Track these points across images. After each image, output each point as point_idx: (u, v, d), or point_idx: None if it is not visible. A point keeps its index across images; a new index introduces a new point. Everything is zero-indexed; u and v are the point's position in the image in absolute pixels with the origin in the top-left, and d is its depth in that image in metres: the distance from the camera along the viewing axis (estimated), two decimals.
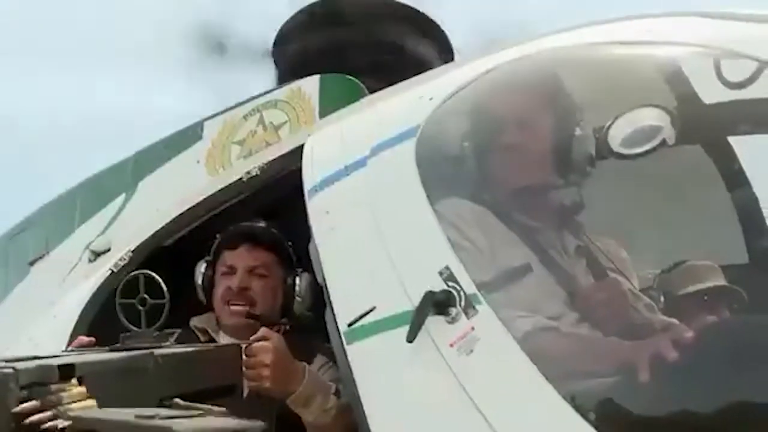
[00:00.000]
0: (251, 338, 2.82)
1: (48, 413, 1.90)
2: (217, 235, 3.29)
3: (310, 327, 3.19)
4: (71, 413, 1.87)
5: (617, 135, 2.55)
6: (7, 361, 1.96)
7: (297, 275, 3.20)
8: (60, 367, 1.97)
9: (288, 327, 3.18)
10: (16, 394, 1.86)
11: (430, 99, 2.81)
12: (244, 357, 2.77)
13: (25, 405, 1.87)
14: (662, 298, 2.83)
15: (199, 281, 3.26)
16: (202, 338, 3.17)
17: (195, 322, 3.24)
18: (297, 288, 3.19)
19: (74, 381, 2.00)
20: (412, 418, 2.38)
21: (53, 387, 1.94)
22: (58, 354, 2.38)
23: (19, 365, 1.90)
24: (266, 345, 2.79)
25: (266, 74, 4.33)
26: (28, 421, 1.86)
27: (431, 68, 3.50)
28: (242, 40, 4.55)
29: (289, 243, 3.26)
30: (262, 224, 3.27)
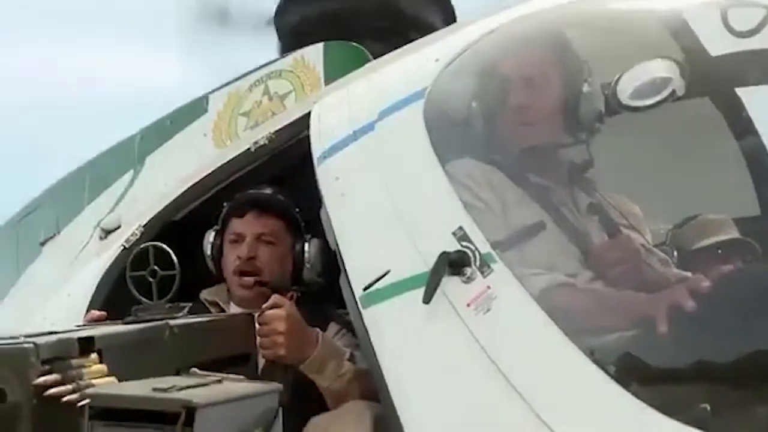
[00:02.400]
0: (263, 306, 2.82)
1: (69, 386, 1.90)
2: (225, 204, 3.27)
3: (320, 293, 3.19)
4: (91, 391, 1.87)
5: (626, 88, 2.54)
6: (27, 336, 1.96)
7: (306, 241, 3.18)
8: (79, 340, 1.98)
9: (299, 294, 3.15)
10: (38, 368, 1.86)
11: (437, 60, 2.79)
12: (257, 325, 2.78)
13: (46, 378, 1.87)
14: (675, 253, 2.81)
15: (208, 251, 3.24)
16: (212, 311, 3.16)
17: (205, 294, 3.23)
18: (306, 254, 3.17)
19: (94, 356, 2.01)
20: (432, 379, 2.38)
21: (73, 362, 1.95)
22: (75, 328, 2.39)
23: (39, 340, 1.90)
24: (279, 312, 2.79)
25: (269, 44, 4.31)
26: (48, 393, 1.86)
27: (433, 31, 3.47)
28: (243, 9, 4.53)
29: (297, 209, 3.22)
30: (268, 191, 3.24)
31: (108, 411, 1.82)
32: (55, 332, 2.09)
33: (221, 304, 3.19)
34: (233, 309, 3.17)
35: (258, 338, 2.77)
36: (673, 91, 2.51)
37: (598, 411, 2.18)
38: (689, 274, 2.54)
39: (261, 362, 2.90)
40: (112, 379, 2.00)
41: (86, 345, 1.99)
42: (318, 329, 2.89)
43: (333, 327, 3.07)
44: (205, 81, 4.03)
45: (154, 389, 1.86)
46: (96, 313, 2.93)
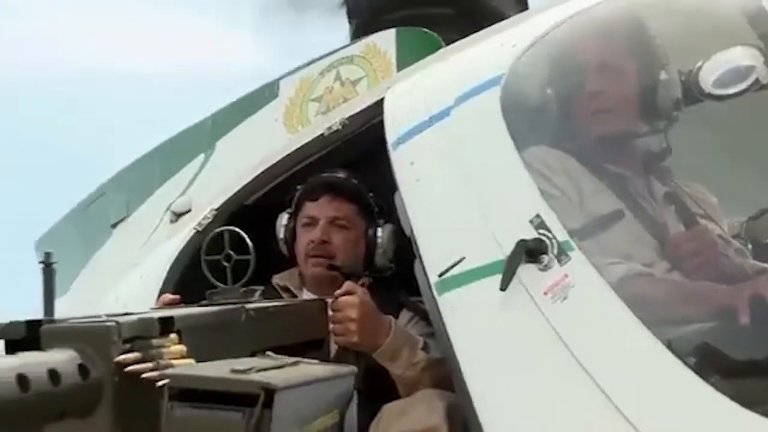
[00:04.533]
0: (336, 293, 2.82)
1: (149, 364, 1.91)
2: (298, 187, 3.26)
3: (392, 280, 3.18)
4: (170, 371, 1.88)
5: (709, 76, 2.50)
6: (108, 315, 1.98)
7: (379, 226, 3.17)
8: (160, 320, 1.99)
9: (371, 280, 3.15)
10: (120, 347, 1.88)
11: (513, 46, 2.77)
12: (329, 312, 2.78)
13: (128, 355, 1.88)
14: (750, 246, 2.77)
15: (281, 234, 3.23)
16: (284, 296, 3.15)
17: (277, 280, 3.23)
18: (379, 239, 3.15)
19: (173, 337, 2.02)
20: (507, 368, 2.37)
21: (154, 342, 1.97)
22: (153, 309, 2.41)
23: (121, 319, 1.92)
24: (352, 299, 2.79)
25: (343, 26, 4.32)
26: (128, 369, 1.87)
27: (506, 18, 3.45)
28: None
29: (370, 193, 3.21)
30: (342, 174, 3.23)
31: (187, 391, 1.84)
32: (135, 313, 2.10)
33: (293, 289, 3.19)
34: (305, 295, 3.17)
35: (331, 324, 2.77)
36: (757, 80, 2.46)
37: (677, 403, 2.15)
38: None
39: (333, 348, 2.90)
40: (191, 360, 2.01)
41: (166, 325, 2.00)
42: (391, 317, 2.88)
43: (405, 314, 3.05)
44: (279, 62, 4.04)
45: (233, 371, 1.86)
46: (169, 296, 2.95)
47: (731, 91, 2.48)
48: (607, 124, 2.70)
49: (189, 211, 3.84)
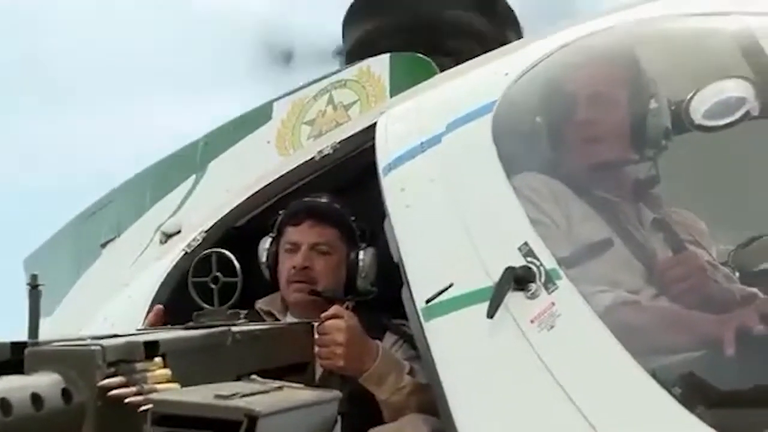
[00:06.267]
0: (323, 315, 2.81)
1: (132, 389, 1.90)
2: (280, 212, 3.26)
3: (375, 303, 3.18)
4: (154, 396, 1.88)
5: (700, 107, 2.51)
6: (93, 338, 1.97)
7: (361, 250, 3.17)
8: (145, 344, 1.98)
9: (354, 304, 3.14)
10: (104, 371, 1.87)
11: (506, 74, 2.78)
12: (316, 335, 2.77)
13: (111, 380, 1.88)
14: (737, 274, 2.77)
15: (263, 258, 3.23)
16: (268, 321, 3.14)
17: (260, 305, 3.22)
18: (361, 263, 3.15)
19: (158, 360, 2.02)
20: (493, 395, 2.36)
21: (138, 365, 1.96)
22: (139, 332, 2.40)
23: (105, 342, 1.91)
24: (339, 323, 2.78)
25: None
26: (112, 393, 1.87)
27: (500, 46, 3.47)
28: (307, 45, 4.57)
29: (353, 217, 3.21)
30: (325, 199, 3.22)
31: (170, 417, 1.83)
32: (120, 335, 2.10)
33: (276, 313, 3.19)
34: (289, 319, 3.16)
35: (317, 348, 2.77)
36: (747, 112, 2.47)
37: None
38: (757, 292, 2.50)
39: (319, 371, 2.90)
40: (176, 385, 2.00)
41: (151, 349, 2.00)
42: (378, 342, 2.88)
43: (390, 337, 3.05)
44: None
45: (216, 396, 1.85)
46: (160, 307, 2.96)
47: (721, 122, 2.48)
48: (597, 153, 2.70)
49: (179, 232, 3.85)
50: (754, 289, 2.49)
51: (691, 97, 2.52)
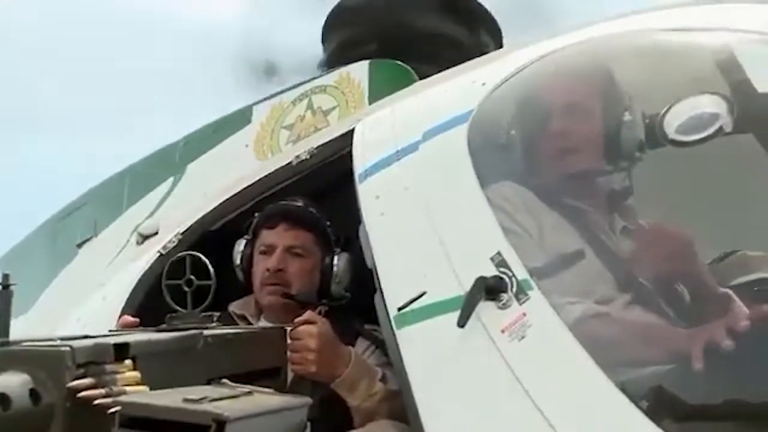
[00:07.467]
0: (296, 320, 2.82)
1: (101, 390, 1.91)
2: (256, 214, 3.27)
3: (348, 308, 3.19)
4: (123, 398, 1.88)
5: (673, 122, 2.52)
6: (62, 339, 1.97)
7: (336, 254, 3.17)
8: (115, 346, 1.98)
9: (327, 308, 3.15)
10: (73, 372, 1.87)
11: (483, 84, 2.80)
12: (288, 340, 2.77)
13: (80, 381, 1.88)
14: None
15: (238, 260, 3.24)
16: (241, 324, 3.14)
17: (233, 308, 3.22)
18: (335, 268, 3.15)
19: (128, 363, 2.02)
20: (462, 404, 2.37)
21: (108, 367, 1.96)
22: (110, 333, 2.40)
23: (75, 343, 1.91)
24: (311, 329, 2.78)
25: None
26: (81, 395, 1.87)
27: (480, 55, 3.48)
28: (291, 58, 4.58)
29: (328, 222, 3.22)
30: (300, 203, 3.23)
31: (138, 419, 1.83)
32: (91, 336, 2.10)
33: (249, 317, 3.19)
34: (262, 323, 3.16)
35: (289, 353, 2.77)
36: (721, 128, 2.49)
37: None
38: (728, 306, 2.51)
39: (291, 376, 2.90)
40: (145, 388, 2.01)
41: (121, 351, 2.00)
42: (351, 348, 2.88)
43: (362, 343, 3.06)
44: None
45: (185, 400, 1.86)
46: (129, 318, 2.93)
47: (693, 138, 2.50)
48: (571, 163, 2.71)
49: (156, 233, 3.83)
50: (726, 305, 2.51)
51: (665, 112, 2.54)
